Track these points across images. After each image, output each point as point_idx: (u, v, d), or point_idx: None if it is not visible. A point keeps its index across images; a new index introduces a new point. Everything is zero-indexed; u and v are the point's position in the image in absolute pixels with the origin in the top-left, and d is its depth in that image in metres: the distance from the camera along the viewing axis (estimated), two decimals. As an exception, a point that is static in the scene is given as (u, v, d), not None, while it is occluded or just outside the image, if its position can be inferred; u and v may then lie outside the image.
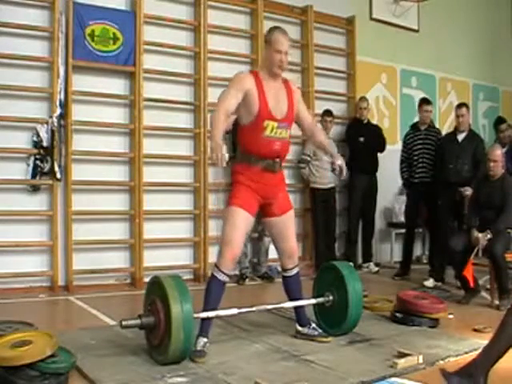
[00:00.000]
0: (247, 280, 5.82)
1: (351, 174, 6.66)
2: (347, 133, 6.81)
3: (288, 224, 3.45)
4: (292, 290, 3.53)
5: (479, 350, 2.64)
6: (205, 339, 3.18)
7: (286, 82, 3.42)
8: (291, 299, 3.53)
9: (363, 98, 6.72)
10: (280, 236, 3.45)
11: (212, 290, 3.24)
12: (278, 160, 3.32)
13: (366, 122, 6.71)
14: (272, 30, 3.37)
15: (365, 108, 6.66)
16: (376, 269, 6.63)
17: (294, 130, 3.51)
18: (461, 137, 5.61)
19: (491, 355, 2.50)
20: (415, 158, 5.96)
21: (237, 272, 5.74)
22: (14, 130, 5.00)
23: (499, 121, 6.98)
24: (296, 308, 3.55)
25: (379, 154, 6.69)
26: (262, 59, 3.48)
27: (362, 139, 6.55)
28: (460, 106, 5.76)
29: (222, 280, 3.23)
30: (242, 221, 3.23)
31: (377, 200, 6.75)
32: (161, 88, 5.70)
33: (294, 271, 3.51)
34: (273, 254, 5.03)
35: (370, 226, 6.78)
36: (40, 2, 5.12)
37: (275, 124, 3.25)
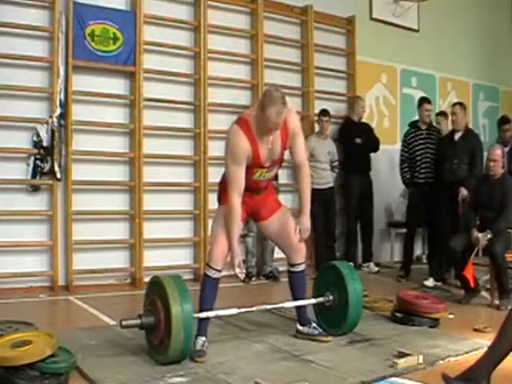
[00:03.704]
0: (253, 279, 5.82)
1: (347, 174, 6.66)
2: (342, 133, 6.78)
3: (284, 220, 3.45)
4: (297, 287, 3.51)
5: (480, 351, 2.64)
6: (203, 338, 3.19)
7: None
8: (295, 297, 3.52)
9: (361, 98, 6.75)
10: (279, 233, 3.46)
11: (205, 288, 3.27)
12: (262, 188, 3.40)
13: (360, 121, 6.71)
14: (268, 99, 3.03)
15: (363, 107, 6.68)
16: (376, 269, 6.63)
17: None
18: (457, 136, 5.61)
19: (493, 358, 2.50)
20: (418, 158, 5.93)
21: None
22: (14, 130, 5.00)
23: (503, 120, 6.97)
24: (297, 307, 3.55)
25: (379, 154, 6.69)
26: (254, 112, 3.17)
27: (358, 140, 6.54)
28: (454, 104, 5.78)
29: (214, 277, 3.24)
30: None
31: (373, 199, 6.74)
32: (161, 88, 5.70)
33: (302, 267, 3.49)
34: (278, 253, 5.02)
35: (369, 226, 6.76)
36: (40, 1, 5.12)
37: (264, 170, 3.30)
